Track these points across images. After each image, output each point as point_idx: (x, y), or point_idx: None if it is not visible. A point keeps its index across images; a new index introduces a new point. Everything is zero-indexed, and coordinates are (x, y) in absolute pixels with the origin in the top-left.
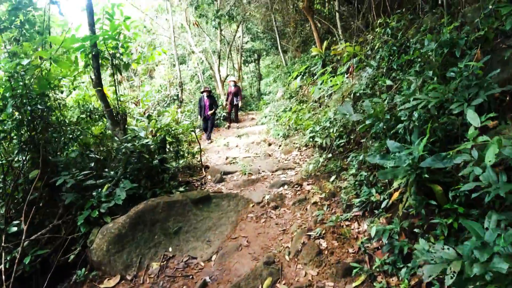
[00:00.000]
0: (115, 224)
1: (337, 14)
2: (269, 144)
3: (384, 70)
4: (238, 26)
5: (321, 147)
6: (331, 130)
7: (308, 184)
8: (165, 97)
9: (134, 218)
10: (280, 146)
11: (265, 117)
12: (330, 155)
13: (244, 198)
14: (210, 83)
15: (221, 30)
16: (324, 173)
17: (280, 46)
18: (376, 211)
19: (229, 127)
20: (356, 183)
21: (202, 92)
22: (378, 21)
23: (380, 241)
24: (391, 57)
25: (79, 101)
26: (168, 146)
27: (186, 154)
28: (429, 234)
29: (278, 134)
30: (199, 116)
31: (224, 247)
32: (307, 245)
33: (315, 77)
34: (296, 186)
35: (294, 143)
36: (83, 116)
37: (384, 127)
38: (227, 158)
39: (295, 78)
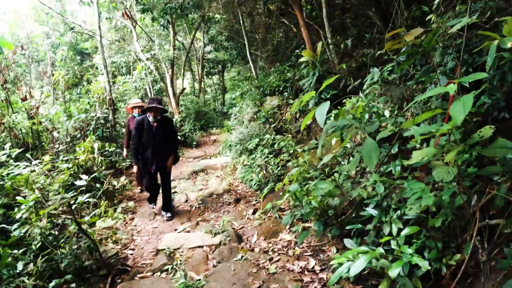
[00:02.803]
0: None
1: (324, 10)
2: (237, 200)
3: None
4: (196, 30)
5: None
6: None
7: None
8: (91, 120)
9: None
10: (255, 211)
11: (230, 147)
12: None
13: None
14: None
15: (175, 33)
16: None
17: (250, 54)
18: None
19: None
20: None
21: (141, 111)
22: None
23: None
24: None
25: None
26: None
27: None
28: None
29: (251, 181)
30: (134, 166)
31: None
32: None
33: (304, 92)
34: None
35: (279, 211)
36: None
37: None
38: (157, 252)
39: (302, 104)
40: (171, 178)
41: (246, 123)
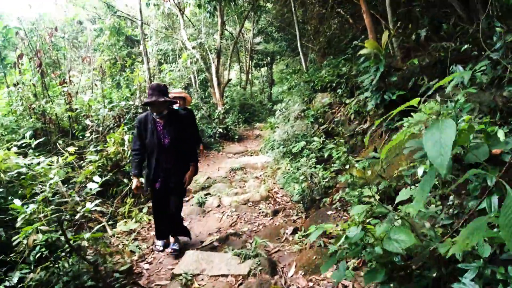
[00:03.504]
0: None
1: None
2: (275, 213)
3: None
4: (245, 19)
5: None
6: None
7: None
8: (129, 109)
9: None
10: (295, 231)
11: (272, 146)
12: None
13: None
14: (204, 88)
15: (223, 22)
16: None
17: (301, 46)
18: None
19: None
20: None
21: (145, 105)
22: None
23: None
24: None
25: None
26: None
27: None
28: None
29: (293, 190)
30: (133, 179)
31: None
32: None
33: (366, 93)
34: None
35: (325, 237)
36: None
37: None
38: (173, 277)
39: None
40: (185, 196)
41: (292, 121)
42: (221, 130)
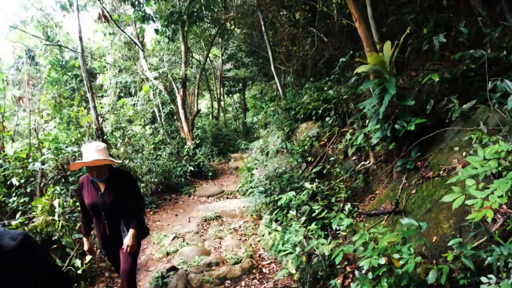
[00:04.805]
0: None
1: (369, 9)
2: None
3: None
4: (211, 43)
5: None
6: None
7: None
8: (73, 155)
9: None
10: None
11: (250, 191)
12: None
13: None
14: (170, 122)
15: (187, 48)
16: None
17: (275, 69)
18: None
19: None
20: None
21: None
22: None
23: None
24: None
25: None
26: None
27: None
28: None
29: (286, 262)
30: None
31: None
32: None
33: (370, 124)
34: None
35: None
36: None
37: None
38: None
39: None
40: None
41: (272, 158)
42: (192, 168)
